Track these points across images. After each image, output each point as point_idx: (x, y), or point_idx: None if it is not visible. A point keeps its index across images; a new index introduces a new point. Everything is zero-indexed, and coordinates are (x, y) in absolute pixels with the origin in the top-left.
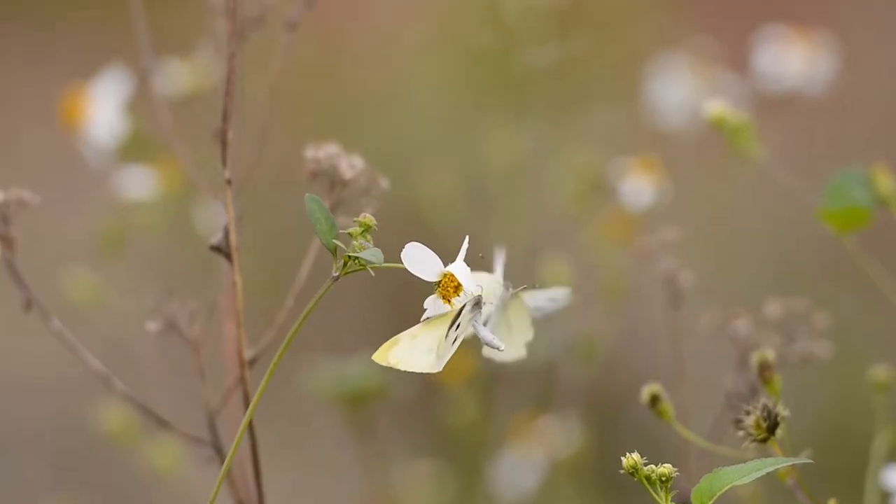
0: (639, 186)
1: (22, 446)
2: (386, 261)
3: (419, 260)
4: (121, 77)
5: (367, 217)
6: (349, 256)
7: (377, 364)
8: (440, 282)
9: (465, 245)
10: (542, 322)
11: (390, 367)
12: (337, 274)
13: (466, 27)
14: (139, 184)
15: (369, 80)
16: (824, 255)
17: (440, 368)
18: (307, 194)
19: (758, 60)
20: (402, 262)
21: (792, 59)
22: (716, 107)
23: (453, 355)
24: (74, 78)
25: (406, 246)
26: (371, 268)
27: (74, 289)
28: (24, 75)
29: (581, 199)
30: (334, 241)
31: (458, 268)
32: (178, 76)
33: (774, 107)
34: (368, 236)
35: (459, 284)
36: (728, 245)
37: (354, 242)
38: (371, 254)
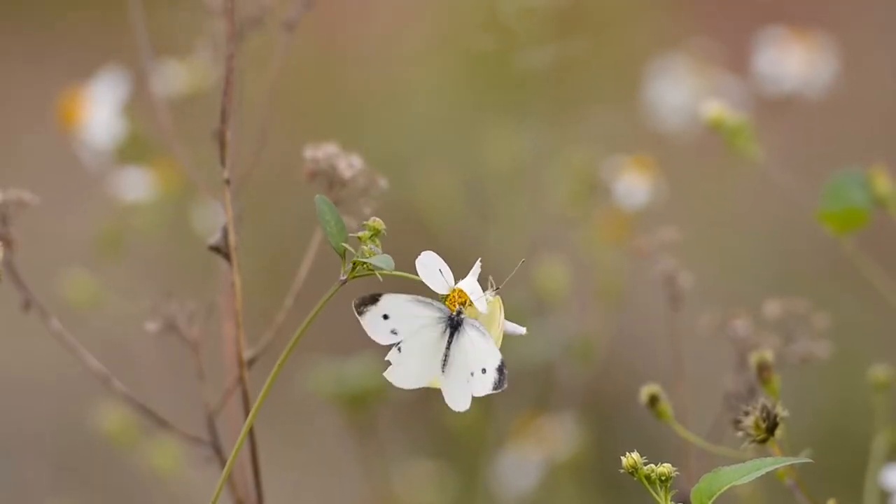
0: (633, 185)
1: (22, 447)
2: None
3: (433, 270)
4: (118, 78)
5: (377, 221)
6: (358, 261)
7: (377, 364)
8: (448, 296)
9: (478, 266)
10: (541, 323)
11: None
12: (345, 277)
13: (466, 28)
14: (138, 185)
15: (369, 81)
16: (824, 255)
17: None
18: (318, 196)
19: (757, 62)
20: (407, 268)
21: (791, 61)
22: (714, 108)
23: None
24: (74, 78)
25: (422, 254)
26: (380, 274)
27: (73, 289)
28: (24, 75)
29: (578, 199)
30: (344, 244)
31: (470, 285)
32: (176, 77)
33: (774, 108)
34: (377, 240)
35: (467, 301)
36: (728, 246)
37: (363, 247)
38: (381, 260)
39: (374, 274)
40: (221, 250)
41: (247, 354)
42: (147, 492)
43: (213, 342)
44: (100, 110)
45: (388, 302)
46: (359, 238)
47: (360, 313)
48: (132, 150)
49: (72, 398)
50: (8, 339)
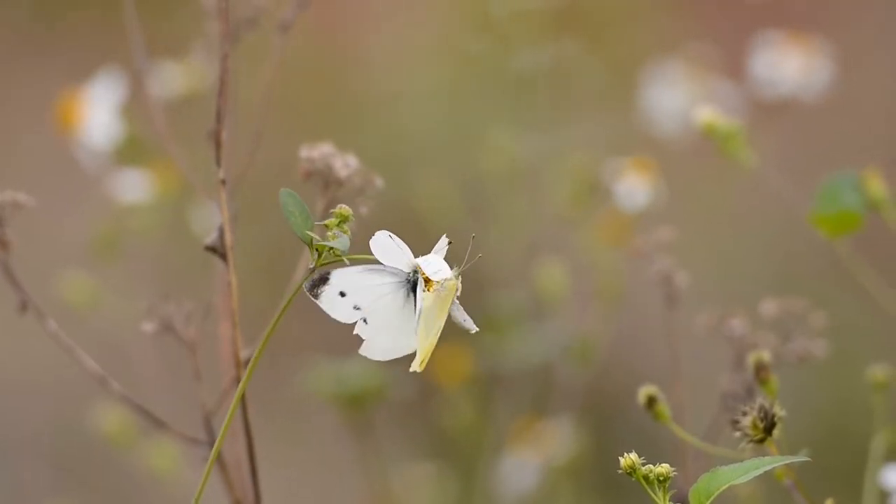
0: (633, 187)
1: (20, 448)
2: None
3: (388, 248)
4: (116, 79)
5: (344, 208)
6: (322, 246)
7: (376, 364)
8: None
9: (444, 242)
10: (540, 323)
11: (389, 368)
12: (313, 265)
13: (465, 30)
14: (135, 186)
15: (368, 82)
16: (822, 256)
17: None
18: (282, 189)
19: (755, 66)
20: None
21: (789, 65)
22: (706, 114)
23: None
24: (74, 78)
25: (376, 234)
26: (346, 258)
27: (70, 291)
28: (24, 75)
29: (577, 200)
30: (309, 232)
31: (428, 260)
32: (173, 78)
33: (771, 111)
34: (345, 227)
35: (428, 278)
36: (725, 247)
37: (329, 233)
38: (339, 242)
39: (342, 259)
40: (217, 250)
41: (243, 354)
42: (145, 492)
43: (209, 342)
44: (98, 112)
45: (340, 277)
46: (325, 226)
47: (315, 296)
48: (130, 152)
49: (69, 399)
50: (5, 341)
